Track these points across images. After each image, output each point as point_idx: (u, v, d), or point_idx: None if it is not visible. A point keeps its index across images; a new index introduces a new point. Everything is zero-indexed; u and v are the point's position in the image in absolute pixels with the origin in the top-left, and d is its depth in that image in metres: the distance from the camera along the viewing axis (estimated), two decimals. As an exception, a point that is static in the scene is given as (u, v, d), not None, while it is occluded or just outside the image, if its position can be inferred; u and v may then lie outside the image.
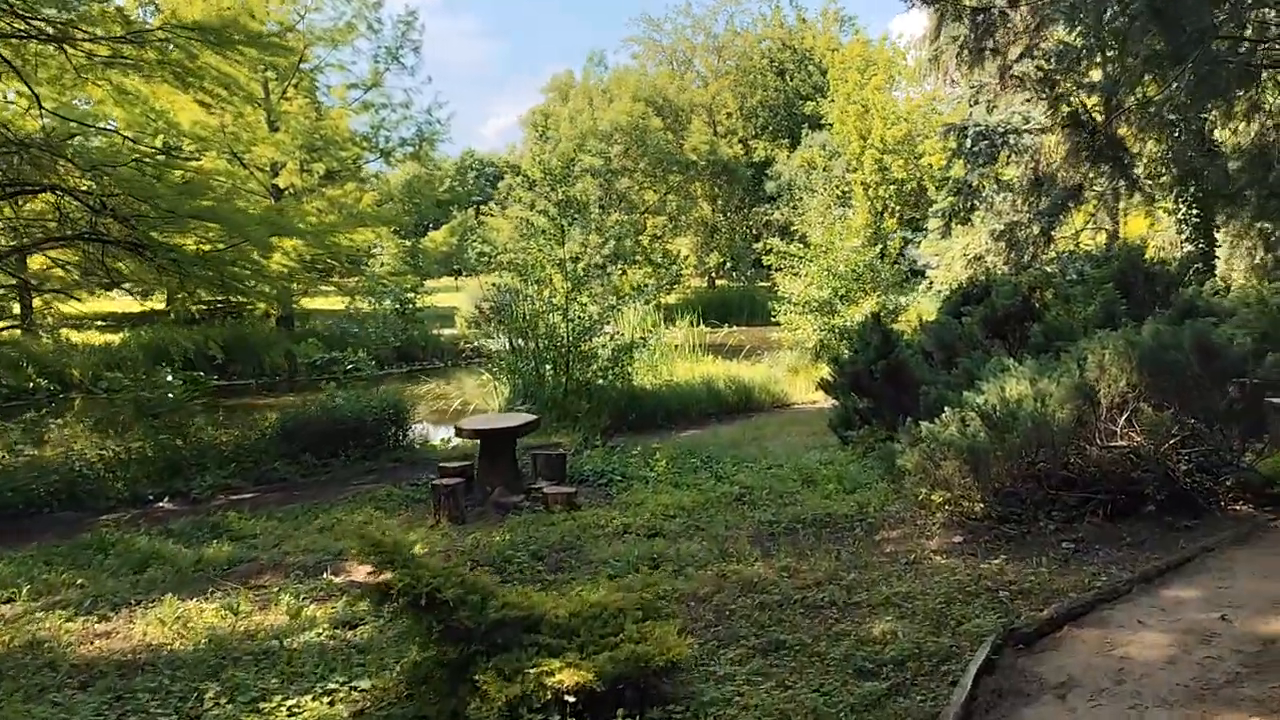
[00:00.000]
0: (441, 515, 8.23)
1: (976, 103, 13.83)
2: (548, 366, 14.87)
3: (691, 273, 47.02)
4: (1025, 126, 13.19)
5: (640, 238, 42.52)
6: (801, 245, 20.01)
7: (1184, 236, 16.43)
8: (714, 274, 48.38)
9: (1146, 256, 11.99)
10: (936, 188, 23.82)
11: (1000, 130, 13.06)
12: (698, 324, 37.84)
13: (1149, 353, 6.39)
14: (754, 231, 45.20)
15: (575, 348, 14.76)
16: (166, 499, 10.20)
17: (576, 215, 14.82)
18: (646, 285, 16.30)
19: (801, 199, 38.17)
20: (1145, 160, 13.31)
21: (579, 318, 14.91)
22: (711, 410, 15.38)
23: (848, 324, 18.19)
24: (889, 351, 9.13)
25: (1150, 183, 13.76)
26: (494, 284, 16.47)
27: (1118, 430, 6.54)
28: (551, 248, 14.89)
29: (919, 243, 24.13)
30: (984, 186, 14.01)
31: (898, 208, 37.14)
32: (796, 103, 47.99)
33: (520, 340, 15.12)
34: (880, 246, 17.44)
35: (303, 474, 11.17)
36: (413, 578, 3.84)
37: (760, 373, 16.99)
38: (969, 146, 13.52)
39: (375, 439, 12.13)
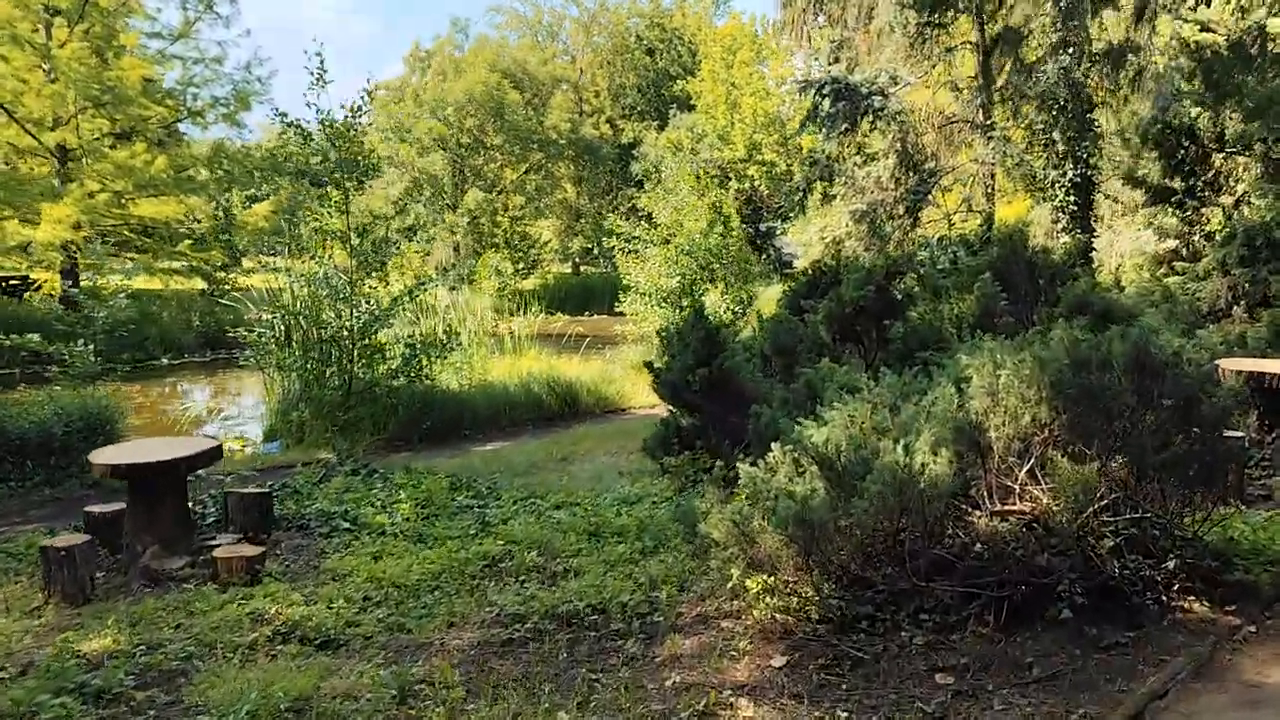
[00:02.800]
0: (54, 591, 5.53)
1: (837, 60, 11.74)
2: (331, 364, 12.15)
3: (553, 258, 44.48)
4: (893, 87, 11.12)
5: (497, 218, 39.69)
6: (648, 225, 17.71)
7: (1060, 225, 14.81)
8: (577, 260, 45.96)
9: (1028, 243, 10.12)
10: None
11: (863, 89, 10.94)
12: (553, 313, 35.48)
13: (1064, 374, 4.23)
14: (621, 215, 43.00)
15: (359, 341, 12.07)
16: None
17: (364, 178, 12.09)
18: (452, 267, 13.60)
19: (664, 182, 36.14)
20: (1026, 130, 11.48)
21: (368, 304, 12.22)
22: (529, 417, 12.92)
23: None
24: (712, 356, 6.86)
25: (1030, 159, 11.94)
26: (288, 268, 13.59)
27: (1016, 488, 4.38)
28: (328, 216, 12.13)
29: (785, 230, 22.21)
30: (844, 158, 11.90)
31: (765, 189, 35.46)
32: (665, 83, 45.93)
33: (295, 331, 12.33)
34: (721, 225, 15.30)
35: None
36: None
37: (593, 372, 14.60)
38: (826, 108, 11.38)
39: (66, 458, 9.23)
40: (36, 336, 11.10)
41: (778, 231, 33.75)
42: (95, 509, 6.37)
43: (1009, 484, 4.37)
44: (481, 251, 38.14)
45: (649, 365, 7.63)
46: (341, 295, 12.03)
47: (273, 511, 6.83)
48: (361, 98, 12.11)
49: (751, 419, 6.43)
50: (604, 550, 5.96)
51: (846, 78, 11.08)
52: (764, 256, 31.81)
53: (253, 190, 31.68)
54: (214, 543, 6.21)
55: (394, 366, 12.27)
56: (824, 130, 11.56)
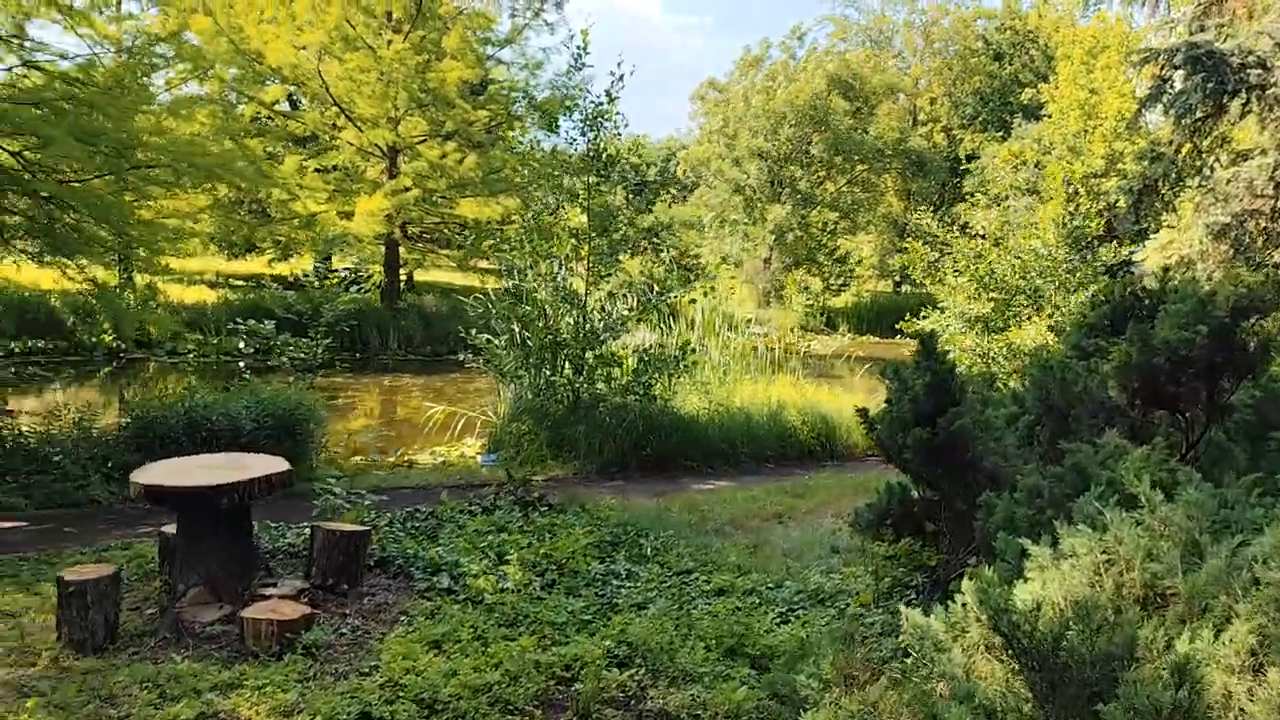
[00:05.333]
0: (63, 634, 4.61)
1: (1201, 28, 8.79)
2: (558, 374, 11.06)
3: (870, 275, 41.76)
4: (1281, 58, 8.01)
5: (812, 231, 37.76)
6: (959, 235, 15.02)
7: None
8: (897, 278, 42.90)
9: None
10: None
11: (1234, 59, 7.92)
12: (861, 334, 33.04)
13: None
14: (941, 228, 39.60)
15: (591, 349, 10.87)
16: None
17: (607, 170, 10.82)
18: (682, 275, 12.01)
19: (1006, 198, 32.38)
20: None
21: (602, 310, 11.00)
22: (771, 452, 11.08)
23: (1018, 345, 13.30)
24: (938, 410, 4.73)
25: None
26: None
27: None
28: (570, 212, 11.04)
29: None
30: (1201, 153, 8.88)
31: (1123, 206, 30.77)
32: (1013, 90, 41.61)
33: (535, 335, 11.33)
34: (1074, 231, 12.22)
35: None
36: None
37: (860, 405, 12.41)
38: (1177, 83, 8.47)
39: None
40: (271, 325, 10.94)
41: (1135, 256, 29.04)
42: (172, 529, 5.41)
43: None
44: (794, 266, 36.48)
45: (861, 412, 5.59)
46: (571, 299, 10.89)
47: (363, 555, 5.58)
48: (614, 84, 10.88)
49: (981, 512, 4.27)
50: (727, 684, 4.10)
51: (1210, 43, 8.16)
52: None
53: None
54: (266, 592, 5.05)
55: (624, 382, 10.97)
56: (1172, 115, 8.62)
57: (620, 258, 11.20)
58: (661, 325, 13.31)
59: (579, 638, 4.70)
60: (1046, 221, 14.70)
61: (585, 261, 11.00)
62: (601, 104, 10.93)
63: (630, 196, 44.81)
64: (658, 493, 9.01)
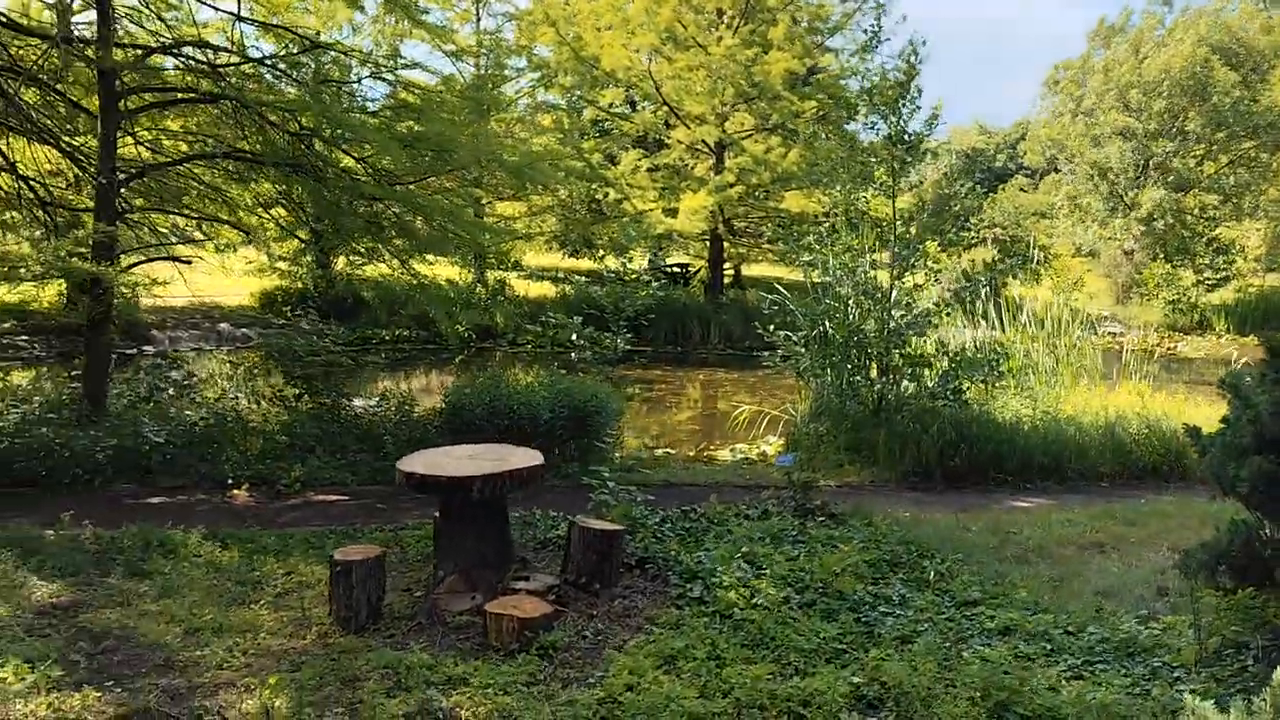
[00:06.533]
0: (333, 610, 4.90)
1: None
2: (860, 373, 10.49)
3: (1256, 267, 36.27)
4: None
5: (1187, 219, 33.48)
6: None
7: None
8: (1295, 273, 36.98)
9: None
10: None
11: None
12: (1244, 335, 28.78)
13: None
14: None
15: (896, 348, 10.18)
16: (246, 485, 8.09)
17: (912, 154, 10.04)
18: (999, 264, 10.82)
19: None
20: None
21: (907, 304, 10.25)
22: (1105, 470, 9.75)
23: None
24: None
25: None
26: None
27: None
28: (873, 199, 10.39)
29: None
30: None
31: None
32: None
33: (839, 332, 10.81)
34: None
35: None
36: None
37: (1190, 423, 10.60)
38: None
39: (549, 442, 9.04)
40: (577, 320, 11.29)
41: None
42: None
43: None
44: (1163, 257, 32.51)
45: (1192, 432, 4.60)
46: (874, 293, 10.24)
47: (617, 554, 5.45)
48: (909, 52, 10.10)
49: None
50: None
51: None
52: None
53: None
54: (517, 585, 5.06)
55: (931, 385, 10.16)
56: None
57: (930, 247, 10.35)
58: (992, 320, 12.24)
59: (825, 669, 4.25)
60: None
61: (890, 253, 10.31)
62: (899, 79, 10.19)
63: (966, 183, 42.16)
64: (961, 508, 8.19)
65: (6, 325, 17.45)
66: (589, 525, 5.41)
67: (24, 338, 17.32)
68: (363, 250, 10.20)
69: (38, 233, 9.94)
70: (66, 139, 8.49)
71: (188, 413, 8.85)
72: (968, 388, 9.96)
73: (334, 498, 7.92)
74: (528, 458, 5.35)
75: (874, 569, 5.76)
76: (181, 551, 5.94)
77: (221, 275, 14.24)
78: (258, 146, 9.07)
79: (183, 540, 6.07)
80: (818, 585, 5.34)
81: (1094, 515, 7.84)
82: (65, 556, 5.71)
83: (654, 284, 12.58)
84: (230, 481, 8.11)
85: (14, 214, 9.77)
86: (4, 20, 8.07)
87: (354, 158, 9.62)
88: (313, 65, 10.12)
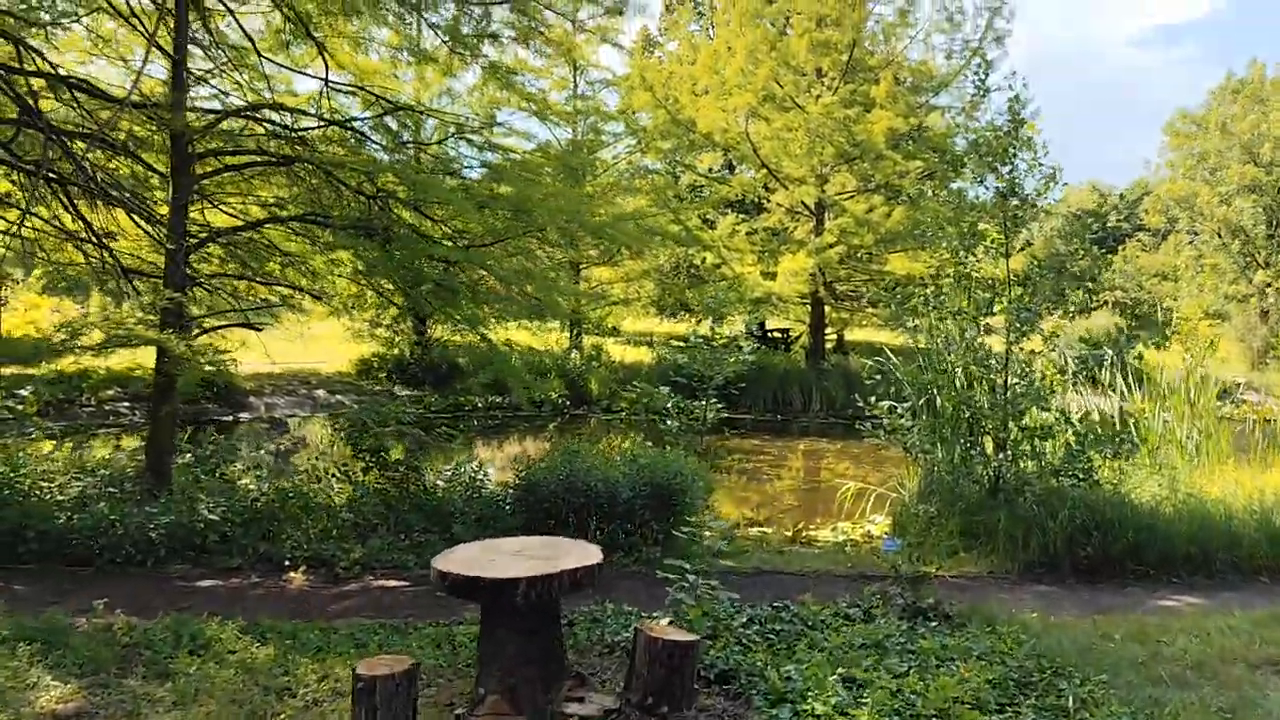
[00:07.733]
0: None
1: None
2: (981, 445, 9.51)
3: None
4: None
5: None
6: None
7: None
8: None
9: None
10: None
11: None
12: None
13: None
14: None
15: (1014, 420, 9.19)
16: (304, 567, 7.59)
17: (1023, 215, 9.17)
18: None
19: None
20: None
21: (1024, 374, 9.26)
22: (1261, 561, 8.50)
23: None
24: None
25: None
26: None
27: None
28: (981, 260, 9.49)
29: None
30: None
31: None
32: None
33: (949, 402, 9.90)
34: None
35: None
36: None
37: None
38: None
39: (628, 525, 8.34)
40: (664, 390, 10.62)
41: None
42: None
43: None
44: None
45: None
46: (987, 361, 9.29)
47: (690, 670, 4.65)
48: (1017, 96, 9.27)
49: None
50: None
51: None
52: None
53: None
54: (569, 710, 4.32)
55: (1056, 462, 9.11)
56: None
57: (1045, 312, 9.38)
58: (1119, 390, 11.09)
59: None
60: None
61: (1004, 318, 9.37)
62: (1007, 130, 9.36)
63: (1084, 243, 40.34)
64: (1096, 608, 7.13)
65: (110, 392, 17.78)
66: (656, 635, 4.64)
67: (125, 404, 17.57)
68: (460, 317, 9.82)
69: (125, 303, 9.88)
70: (138, 204, 8.31)
71: (251, 487, 8.44)
72: (1099, 465, 8.87)
73: (393, 583, 7.33)
74: (584, 555, 4.64)
75: (999, 692, 4.81)
76: (215, 647, 5.40)
77: (325, 341, 14.09)
78: (333, 210, 8.80)
79: (217, 634, 5.54)
80: (929, 715, 4.45)
81: (1259, 621, 6.68)
82: (89, 651, 5.22)
83: (745, 349, 11.83)
84: (288, 563, 7.62)
85: (111, 281, 9.73)
86: (82, 85, 7.97)
87: (429, 218, 9.27)
88: (394, 126, 9.89)
